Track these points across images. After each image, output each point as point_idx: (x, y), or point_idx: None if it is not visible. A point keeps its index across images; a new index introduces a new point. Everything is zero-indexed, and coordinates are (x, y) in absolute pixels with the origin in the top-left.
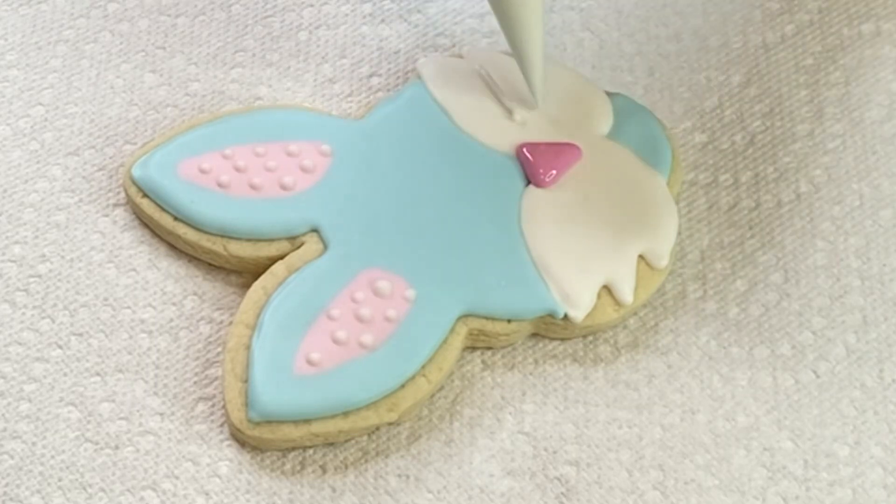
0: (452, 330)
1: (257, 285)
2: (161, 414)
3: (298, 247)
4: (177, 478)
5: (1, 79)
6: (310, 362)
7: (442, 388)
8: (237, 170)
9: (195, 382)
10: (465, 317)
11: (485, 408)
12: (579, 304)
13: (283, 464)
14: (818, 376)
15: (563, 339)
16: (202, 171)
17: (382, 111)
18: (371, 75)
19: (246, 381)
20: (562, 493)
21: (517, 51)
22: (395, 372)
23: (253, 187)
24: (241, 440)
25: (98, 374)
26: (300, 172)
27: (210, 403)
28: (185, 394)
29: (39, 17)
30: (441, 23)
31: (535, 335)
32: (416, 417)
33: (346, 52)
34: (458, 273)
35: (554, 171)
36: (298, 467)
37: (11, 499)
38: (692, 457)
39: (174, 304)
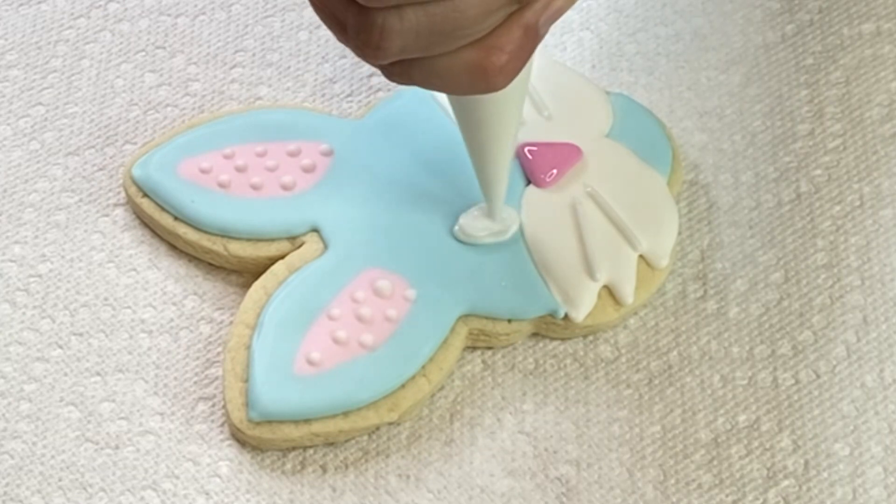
0: (453, 330)
1: (258, 285)
2: (161, 414)
3: (299, 247)
4: (177, 477)
5: (1, 79)
6: (310, 362)
7: (442, 387)
8: (237, 170)
9: (195, 382)
10: (465, 316)
11: (485, 408)
12: (580, 304)
13: (284, 464)
14: (819, 376)
15: (563, 339)
16: (202, 171)
17: (382, 111)
18: (371, 75)
19: (246, 380)
20: (562, 493)
21: (481, 163)
22: (396, 372)
23: (253, 187)
24: (241, 440)
25: (98, 374)
26: (300, 172)
27: (210, 403)
28: (186, 394)
29: (39, 17)
30: None
31: (535, 335)
32: (416, 417)
33: (346, 52)
34: (458, 273)
35: (554, 171)
36: (299, 467)
37: (12, 498)
38: (692, 456)
39: (174, 303)
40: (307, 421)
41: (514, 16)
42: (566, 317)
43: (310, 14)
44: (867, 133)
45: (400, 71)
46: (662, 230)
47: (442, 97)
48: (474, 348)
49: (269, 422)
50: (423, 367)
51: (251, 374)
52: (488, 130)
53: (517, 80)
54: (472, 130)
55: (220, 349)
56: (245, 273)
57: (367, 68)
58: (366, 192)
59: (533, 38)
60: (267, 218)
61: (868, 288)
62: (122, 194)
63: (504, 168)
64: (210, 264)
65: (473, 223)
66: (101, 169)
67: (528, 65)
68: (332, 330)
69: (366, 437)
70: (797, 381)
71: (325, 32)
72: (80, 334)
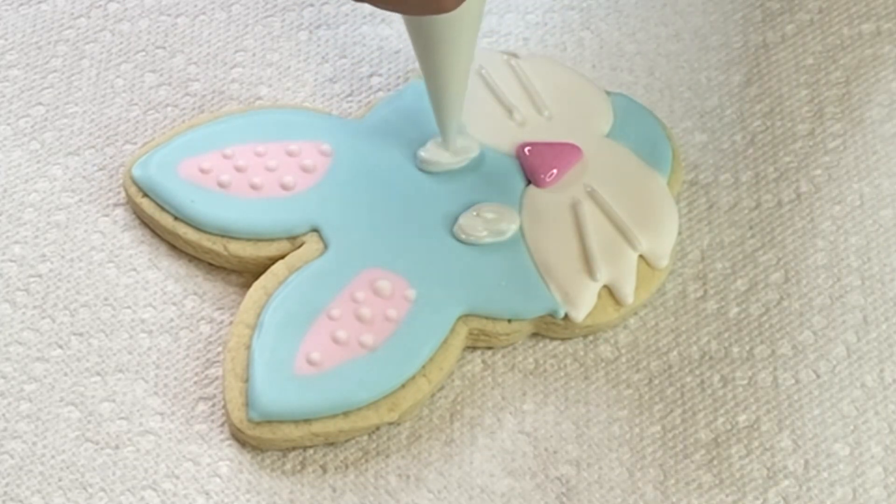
0: (453, 330)
1: (258, 285)
2: (161, 414)
3: (299, 246)
4: (177, 477)
5: (1, 78)
6: (310, 362)
7: (442, 387)
8: (237, 169)
9: (195, 382)
10: (465, 316)
11: (485, 408)
12: (580, 304)
13: (284, 463)
14: (819, 376)
15: (563, 339)
16: (202, 171)
17: (382, 111)
18: (371, 75)
19: (246, 380)
20: (562, 493)
21: (435, 90)
22: (396, 372)
23: (253, 187)
24: (241, 440)
25: (98, 374)
26: (300, 172)
27: (210, 403)
28: (186, 394)
29: (39, 17)
30: None
31: (535, 335)
32: (416, 417)
33: (346, 52)
34: (458, 273)
35: (554, 171)
36: (299, 467)
37: (12, 498)
38: (692, 456)
39: (174, 303)
40: (307, 421)
41: None
42: (566, 317)
43: (310, 14)
44: (867, 133)
45: None
46: (662, 230)
47: None
48: (474, 348)
49: (269, 422)
50: (423, 367)
51: (251, 374)
52: (442, 55)
53: (470, 2)
54: (427, 54)
55: (220, 349)
56: (245, 273)
57: (367, 68)
58: (366, 192)
59: None
60: (267, 218)
61: (868, 288)
62: (122, 194)
63: (458, 95)
64: (210, 264)
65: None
66: (101, 169)
67: None
68: (332, 330)
69: (366, 437)
70: (797, 381)
71: (325, 32)
72: (80, 334)
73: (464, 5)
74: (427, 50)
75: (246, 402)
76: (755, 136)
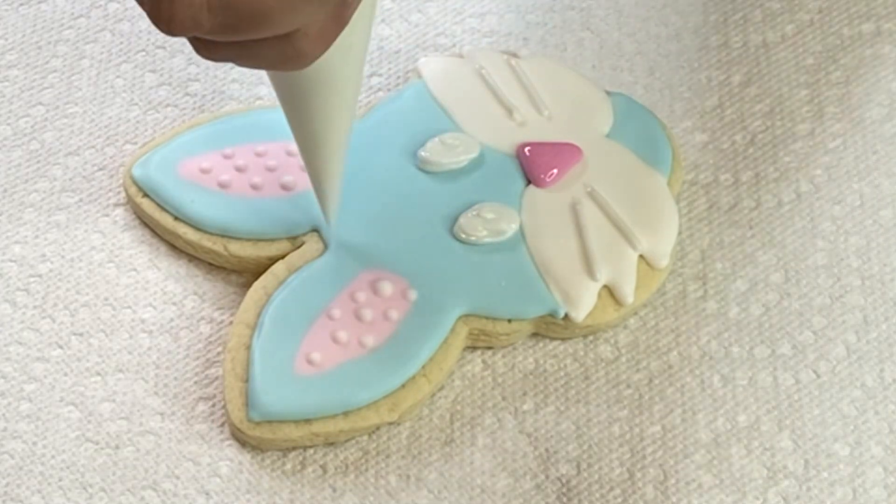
0: (453, 330)
1: (258, 285)
2: (161, 414)
3: (299, 246)
4: (177, 477)
5: (1, 78)
6: (310, 362)
7: (442, 387)
8: (237, 169)
9: (195, 382)
10: (465, 316)
11: (485, 408)
12: (580, 304)
13: (284, 463)
14: (819, 376)
15: (563, 339)
16: (202, 171)
17: (382, 111)
18: (371, 75)
19: (246, 380)
20: (562, 493)
21: (314, 172)
22: (396, 372)
23: (253, 187)
24: (241, 440)
25: (98, 374)
26: (300, 172)
27: (210, 403)
28: (186, 394)
29: (39, 17)
30: (441, 23)
31: (535, 335)
32: (416, 417)
33: None
34: (458, 273)
35: (554, 171)
36: (299, 467)
37: (12, 498)
38: (692, 456)
39: (174, 303)
40: (307, 421)
41: None
42: (566, 317)
43: None
44: (867, 133)
45: (205, 47)
46: (662, 230)
47: (442, 97)
48: (474, 348)
49: (270, 422)
50: (423, 367)
51: (251, 374)
52: (313, 116)
53: (344, 57)
54: (297, 116)
55: (220, 349)
56: (245, 273)
57: (367, 68)
58: (366, 192)
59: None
60: (267, 218)
61: (868, 288)
62: (122, 194)
63: (336, 162)
64: (210, 264)
65: (472, 222)
66: (101, 169)
67: (359, 43)
68: (332, 330)
69: (366, 437)
70: (797, 381)
71: None
72: (80, 334)
73: (335, 61)
74: (297, 111)
75: (246, 402)
76: (755, 136)
